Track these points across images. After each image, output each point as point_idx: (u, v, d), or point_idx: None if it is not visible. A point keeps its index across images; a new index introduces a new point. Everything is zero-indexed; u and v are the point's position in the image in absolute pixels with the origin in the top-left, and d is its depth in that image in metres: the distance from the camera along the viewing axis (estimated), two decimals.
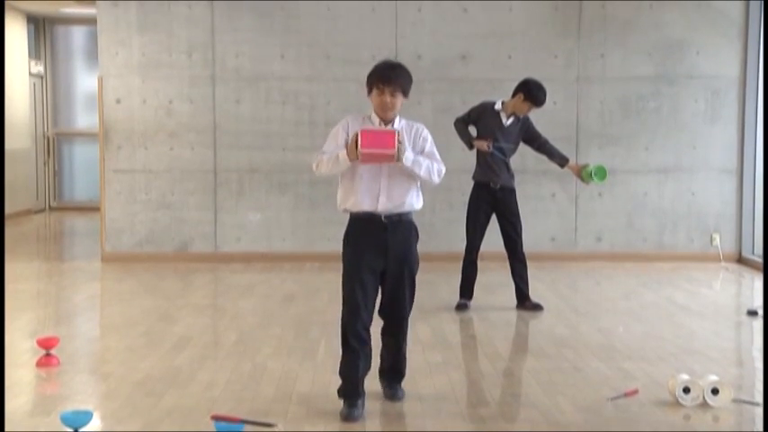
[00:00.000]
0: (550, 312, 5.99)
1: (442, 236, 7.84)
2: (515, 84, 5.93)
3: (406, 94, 3.78)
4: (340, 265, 3.86)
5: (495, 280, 6.72)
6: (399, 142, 3.62)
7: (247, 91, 8.17)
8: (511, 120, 5.94)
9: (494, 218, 6.05)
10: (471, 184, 6.07)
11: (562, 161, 6.09)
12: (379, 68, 3.78)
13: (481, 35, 8.14)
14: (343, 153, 3.68)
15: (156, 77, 8.15)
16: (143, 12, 8.10)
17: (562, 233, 8.30)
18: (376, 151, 3.59)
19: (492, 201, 5.97)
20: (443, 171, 3.88)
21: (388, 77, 3.72)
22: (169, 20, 8.11)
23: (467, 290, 6.07)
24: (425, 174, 3.79)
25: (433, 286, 6.57)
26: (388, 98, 3.72)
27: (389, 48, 8.07)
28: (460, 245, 6.17)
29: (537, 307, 6.02)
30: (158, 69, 8.14)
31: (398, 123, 3.82)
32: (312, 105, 8.17)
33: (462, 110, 6.29)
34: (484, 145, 5.88)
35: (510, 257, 6.06)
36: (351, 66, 8.06)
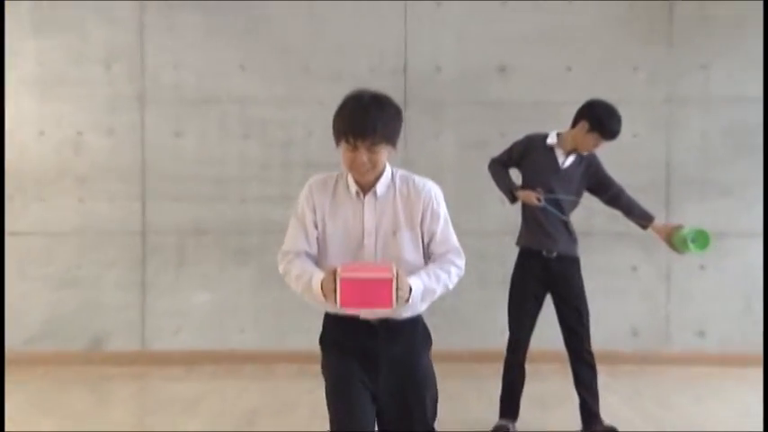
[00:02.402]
0: None
1: (471, 326, 7.90)
2: (576, 108, 6.07)
3: (392, 142, 3.74)
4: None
5: (550, 391, 6.77)
6: (398, 289, 3.48)
7: (192, 118, 8.38)
8: (571, 160, 6.08)
9: (548, 302, 6.17)
10: (515, 251, 6.21)
11: (645, 220, 6.18)
12: (346, 110, 3.71)
13: (528, 39, 8.39)
14: (317, 284, 3.61)
15: (58, 98, 8.37)
16: (40, 5, 8.33)
17: (648, 324, 8.43)
18: (363, 308, 3.61)
19: (545, 276, 6.08)
20: (462, 268, 3.89)
21: (362, 126, 3.64)
22: (79, 16, 8.35)
23: (510, 405, 6.13)
24: (441, 293, 3.80)
25: (459, 400, 6.61)
26: (364, 157, 3.68)
27: (396, 56, 8.30)
28: (499, 340, 6.25)
29: (610, 431, 6.07)
30: (62, 86, 8.36)
31: (385, 185, 3.80)
32: (286, 139, 8.36)
33: (500, 145, 6.42)
34: (532, 197, 6.00)
35: (572, 359, 6.14)
36: (341, 83, 8.21)
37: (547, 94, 8.26)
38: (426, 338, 3.90)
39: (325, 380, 3.88)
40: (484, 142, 7.99)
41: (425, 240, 3.80)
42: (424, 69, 8.31)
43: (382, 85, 8.16)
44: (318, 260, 3.83)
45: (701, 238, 5.93)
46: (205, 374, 7.92)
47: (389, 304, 3.47)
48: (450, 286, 3.80)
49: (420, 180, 3.86)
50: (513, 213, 6.29)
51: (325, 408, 3.90)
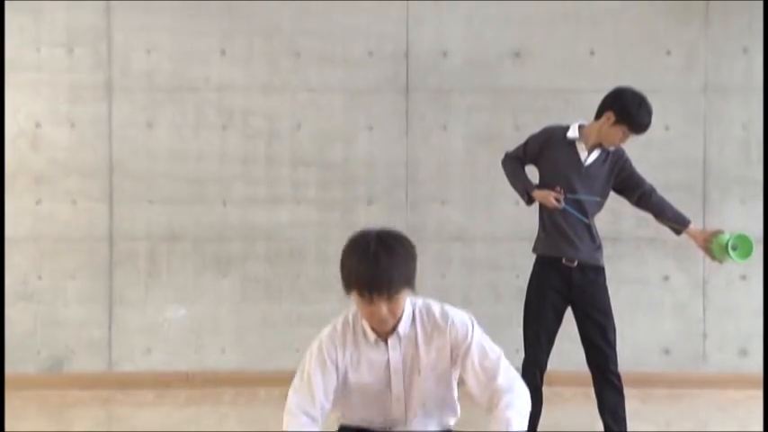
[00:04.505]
0: None
1: None
2: (600, 97, 6.06)
3: (411, 285, 3.73)
4: None
5: (570, 418, 6.78)
6: None
7: (165, 108, 8.39)
8: (595, 155, 6.07)
9: (569, 316, 6.16)
10: (531, 259, 6.21)
11: (679, 224, 6.16)
12: (353, 261, 3.68)
13: (546, 19, 8.40)
14: None
15: (14, 86, 8.35)
16: None
17: (682, 342, 8.44)
18: None
19: (565, 287, 6.07)
20: (525, 390, 3.91)
21: (375, 280, 3.61)
22: None
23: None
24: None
25: (467, 427, 6.60)
26: (383, 309, 3.67)
27: (397, 38, 8.30)
28: (514, 360, 6.23)
29: None
30: (18, 72, 8.35)
31: (407, 324, 3.83)
32: (272, 131, 8.37)
33: (514, 139, 6.42)
34: (551, 197, 5.99)
35: (596, 381, 6.12)
36: (334, 68, 8.30)
37: (567, 81, 8.29)
38: None
39: None
40: (496, 135, 8.04)
41: (477, 378, 3.81)
42: (428, 54, 8.32)
43: (381, 71, 8.29)
44: (341, 408, 3.95)
45: (744, 245, 5.89)
46: (180, 400, 7.93)
47: None
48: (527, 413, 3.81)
49: (441, 315, 3.86)
50: (530, 216, 6.29)
51: None
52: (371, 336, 3.82)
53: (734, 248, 5.85)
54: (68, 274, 8.36)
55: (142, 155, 8.36)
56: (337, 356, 3.84)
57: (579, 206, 6.00)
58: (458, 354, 3.80)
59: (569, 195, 5.98)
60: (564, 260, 6.03)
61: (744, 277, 8.38)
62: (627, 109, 5.88)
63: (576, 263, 6.02)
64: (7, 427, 7.10)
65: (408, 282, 3.68)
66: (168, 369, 8.33)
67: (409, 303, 3.81)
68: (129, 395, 8.05)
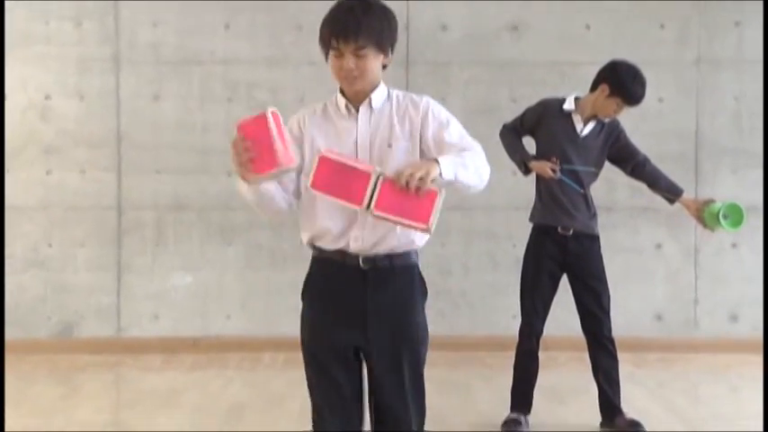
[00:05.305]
0: None
1: (479, 311, 7.91)
2: (596, 69, 6.10)
3: (383, 48, 3.69)
4: None
5: (566, 381, 6.84)
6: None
7: (171, 81, 8.44)
8: (590, 127, 6.11)
9: (564, 284, 6.22)
10: (528, 228, 6.26)
11: (672, 193, 6.21)
12: (330, 15, 3.71)
13: None
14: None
15: (23, 59, 8.39)
16: None
17: (674, 308, 8.52)
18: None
19: (561, 255, 6.12)
20: (487, 166, 3.79)
21: (344, 28, 3.62)
22: None
23: (522, 398, 6.15)
24: (474, 179, 3.73)
25: (466, 392, 6.63)
26: (350, 62, 3.64)
27: (397, 12, 8.16)
28: (510, 326, 6.29)
29: (634, 425, 6.12)
30: (27, 46, 8.39)
31: (381, 98, 3.77)
32: (275, 103, 8.26)
33: (511, 111, 6.47)
34: (547, 168, 6.02)
35: (591, 346, 6.18)
36: None
37: (563, 54, 8.33)
38: (421, 288, 3.85)
39: (302, 340, 4.00)
40: (493, 107, 8.08)
41: (435, 151, 3.69)
42: (427, 27, 8.36)
43: None
44: (306, 219, 3.88)
45: (734, 214, 5.93)
46: (186, 364, 8.01)
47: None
48: (485, 175, 3.78)
49: (418, 96, 3.81)
50: (527, 186, 6.35)
51: None
52: (342, 102, 3.79)
53: (725, 217, 5.87)
54: (78, 242, 8.42)
55: (149, 126, 8.41)
56: (305, 122, 3.85)
57: (575, 176, 6.04)
58: (426, 130, 3.71)
59: (565, 166, 6.02)
60: (560, 229, 6.07)
61: (734, 245, 8.45)
62: (621, 81, 5.92)
63: (571, 231, 6.06)
64: (18, 390, 7.16)
65: (379, 41, 3.65)
66: (175, 335, 8.41)
67: (385, 86, 3.78)
68: (136, 360, 8.13)
